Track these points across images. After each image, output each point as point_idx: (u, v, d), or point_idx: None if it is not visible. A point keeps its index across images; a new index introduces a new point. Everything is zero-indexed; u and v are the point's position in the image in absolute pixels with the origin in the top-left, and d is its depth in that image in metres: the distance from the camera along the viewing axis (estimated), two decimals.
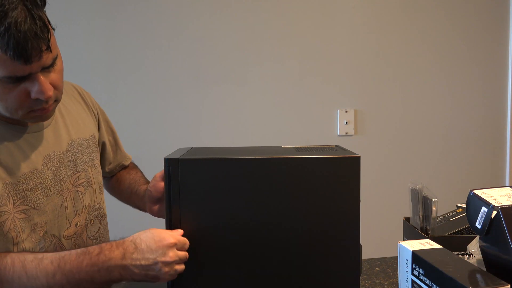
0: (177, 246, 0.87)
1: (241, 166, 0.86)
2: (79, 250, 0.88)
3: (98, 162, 1.19)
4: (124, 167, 1.36)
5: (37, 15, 0.83)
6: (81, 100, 1.20)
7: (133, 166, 1.39)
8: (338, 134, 2.32)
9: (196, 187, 0.86)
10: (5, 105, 0.90)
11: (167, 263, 0.85)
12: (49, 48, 0.86)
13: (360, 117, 2.34)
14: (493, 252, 0.79)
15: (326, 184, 0.87)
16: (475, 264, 0.83)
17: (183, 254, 0.88)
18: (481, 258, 0.83)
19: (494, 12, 2.47)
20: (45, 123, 1.05)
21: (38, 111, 0.93)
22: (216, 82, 2.19)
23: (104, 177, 1.29)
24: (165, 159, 0.86)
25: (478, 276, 0.68)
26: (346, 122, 2.32)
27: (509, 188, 0.84)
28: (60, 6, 2.01)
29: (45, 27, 0.84)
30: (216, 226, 0.87)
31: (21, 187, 0.95)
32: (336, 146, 1.04)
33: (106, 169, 1.30)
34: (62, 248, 1.03)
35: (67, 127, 1.10)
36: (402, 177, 2.39)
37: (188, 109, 2.17)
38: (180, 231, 0.89)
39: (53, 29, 0.91)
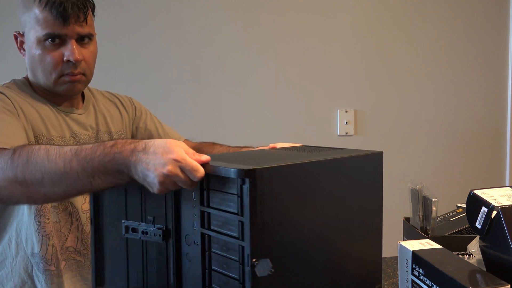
0: (181, 164, 0.80)
1: (305, 171, 0.81)
2: (96, 143, 0.90)
3: None
4: None
5: None
6: (120, 104, 1.37)
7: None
8: (338, 134, 2.32)
9: None
10: (42, 67, 1.11)
11: (162, 175, 0.80)
12: (85, 20, 1.10)
13: (360, 117, 2.34)
14: (493, 252, 0.79)
15: (364, 181, 0.90)
16: (475, 264, 0.83)
17: (184, 177, 0.80)
18: (481, 258, 0.83)
19: (494, 13, 2.46)
20: (78, 109, 1.22)
21: (68, 76, 1.12)
22: (216, 83, 2.19)
23: None
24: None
25: (478, 276, 0.68)
26: (346, 122, 2.32)
27: (509, 188, 0.84)
28: None
29: (86, 3, 1.10)
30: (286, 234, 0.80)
31: (54, 143, 1.11)
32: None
33: None
34: (78, 220, 1.17)
35: (97, 119, 1.27)
36: (402, 177, 2.38)
37: (189, 110, 2.17)
38: (203, 157, 0.81)
39: (94, 15, 1.15)
